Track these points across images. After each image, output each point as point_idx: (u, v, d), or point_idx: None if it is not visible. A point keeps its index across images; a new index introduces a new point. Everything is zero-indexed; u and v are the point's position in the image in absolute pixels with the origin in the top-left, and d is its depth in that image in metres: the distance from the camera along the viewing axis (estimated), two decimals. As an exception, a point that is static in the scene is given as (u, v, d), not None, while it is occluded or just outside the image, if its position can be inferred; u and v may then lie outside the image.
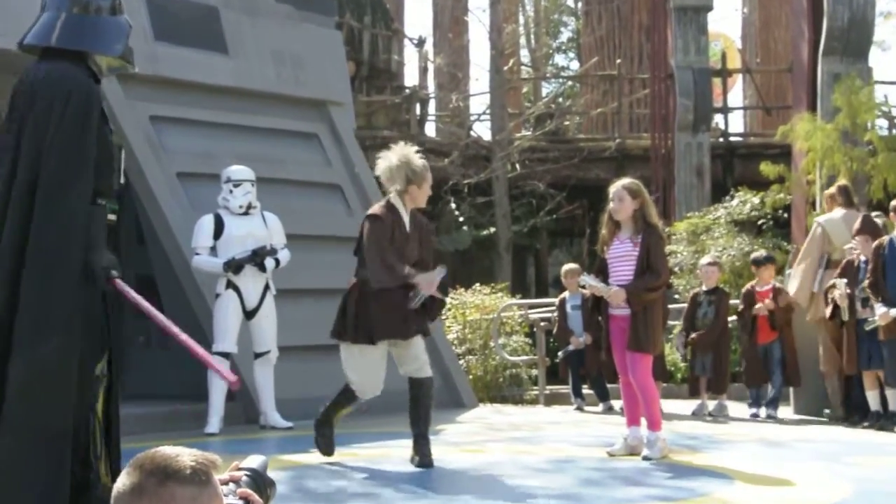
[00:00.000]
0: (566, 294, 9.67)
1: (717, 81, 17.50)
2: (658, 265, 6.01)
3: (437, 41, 20.27)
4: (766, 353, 8.56)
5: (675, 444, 6.64)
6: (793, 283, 8.52)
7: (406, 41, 19.10)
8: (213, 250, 7.91)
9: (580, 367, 9.48)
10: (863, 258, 7.82)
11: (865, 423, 7.69)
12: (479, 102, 28.39)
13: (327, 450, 6.04)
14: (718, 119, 17.69)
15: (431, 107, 18.89)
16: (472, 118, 18.87)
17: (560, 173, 16.11)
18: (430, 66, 19.17)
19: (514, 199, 16.41)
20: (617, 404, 9.28)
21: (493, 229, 16.02)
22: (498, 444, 6.84)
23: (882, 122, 15.03)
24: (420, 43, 18.81)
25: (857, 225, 8.06)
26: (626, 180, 6.27)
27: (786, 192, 13.00)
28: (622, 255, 6.10)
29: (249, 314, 7.87)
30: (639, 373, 6.01)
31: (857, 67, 12.98)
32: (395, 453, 6.39)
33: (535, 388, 10.45)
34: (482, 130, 19.50)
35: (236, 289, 7.83)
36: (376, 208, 5.93)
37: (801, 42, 14.58)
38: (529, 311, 11.20)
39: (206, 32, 9.41)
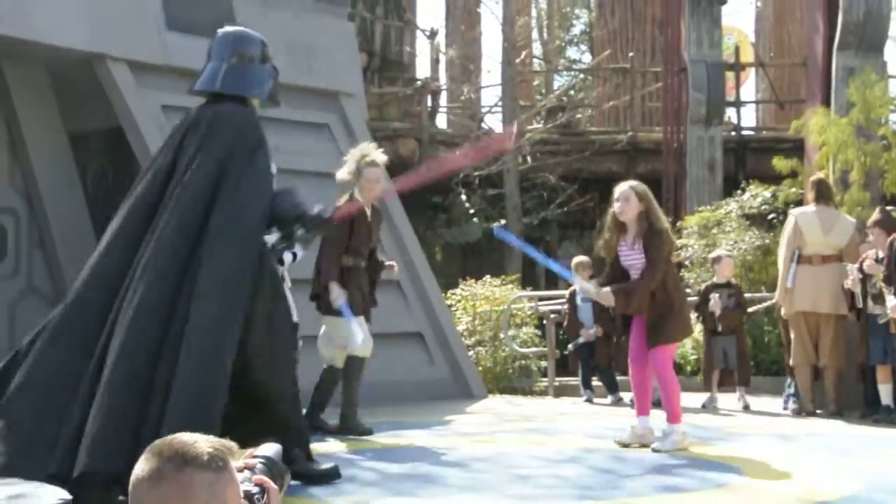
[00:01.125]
0: (576, 286, 9.66)
1: (730, 75, 17.46)
2: (653, 268, 5.92)
3: (450, 33, 20.25)
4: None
5: (690, 436, 6.63)
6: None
7: (418, 33, 19.09)
8: None
9: (590, 358, 9.49)
10: (880, 253, 7.80)
11: (877, 417, 7.68)
12: (490, 94, 28.38)
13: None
14: (731, 113, 17.64)
15: (443, 98, 18.89)
16: (484, 110, 18.87)
17: (571, 166, 16.09)
18: (442, 58, 19.15)
19: (525, 191, 16.40)
20: (627, 396, 9.30)
21: (503, 221, 16.02)
22: (508, 435, 6.85)
23: (896, 117, 14.96)
24: (432, 35, 18.80)
25: (874, 217, 8.04)
26: (634, 182, 6.21)
27: (798, 186, 12.97)
28: (633, 265, 6.07)
29: None
30: (659, 364, 5.97)
31: (872, 62, 12.93)
32: (407, 443, 6.41)
33: (545, 379, 10.46)
34: (494, 122, 19.48)
35: None
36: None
37: (816, 36, 14.53)
38: (539, 303, 11.21)
39: (218, 22, 9.34)
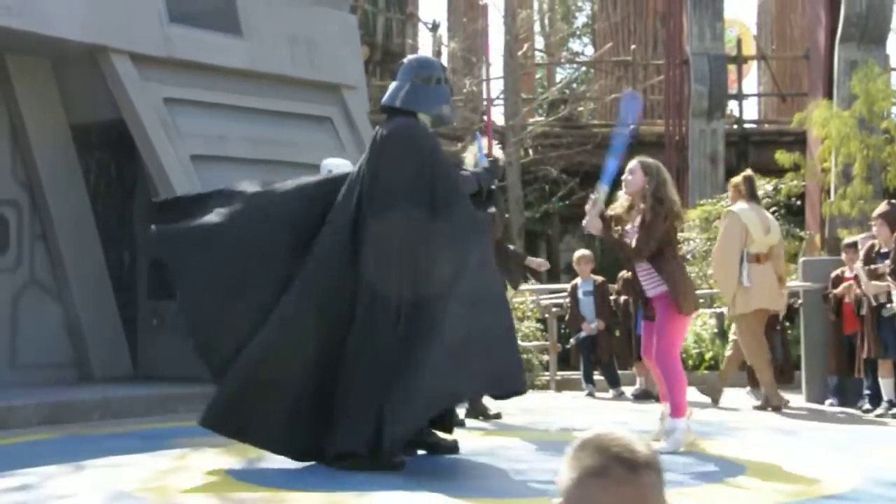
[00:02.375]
0: (578, 280, 9.66)
1: (732, 68, 17.43)
2: (645, 236, 5.73)
3: (452, 25, 20.21)
4: None
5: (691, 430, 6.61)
6: (717, 276, 8.46)
7: (420, 25, 19.07)
8: None
9: (592, 353, 9.49)
10: (884, 248, 7.78)
11: (879, 412, 7.67)
12: (492, 87, 28.30)
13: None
14: (733, 106, 17.63)
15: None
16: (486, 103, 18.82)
17: (573, 159, 16.07)
18: (444, 51, 19.12)
19: (527, 184, 16.38)
20: (628, 391, 9.30)
21: (506, 215, 16.01)
22: (510, 429, 6.84)
23: (898, 110, 14.93)
24: (434, 27, 18.78)
25: (880, 209, 8.01)
26: (644, 157, 6.08)
27: (800, 179, 12.95)
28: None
29: None
30: (663, 353, 5.81)
31: (875, 54, 12.92)
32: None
33: (547, 373, 10.46)
34: (495, 115, 19.45)
35: None
36: None
37: (818, 28, 14.50)
38: (541, 297, 11.20)
39: (221, 15, 9.41)
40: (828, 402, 8.28)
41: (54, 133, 9.22)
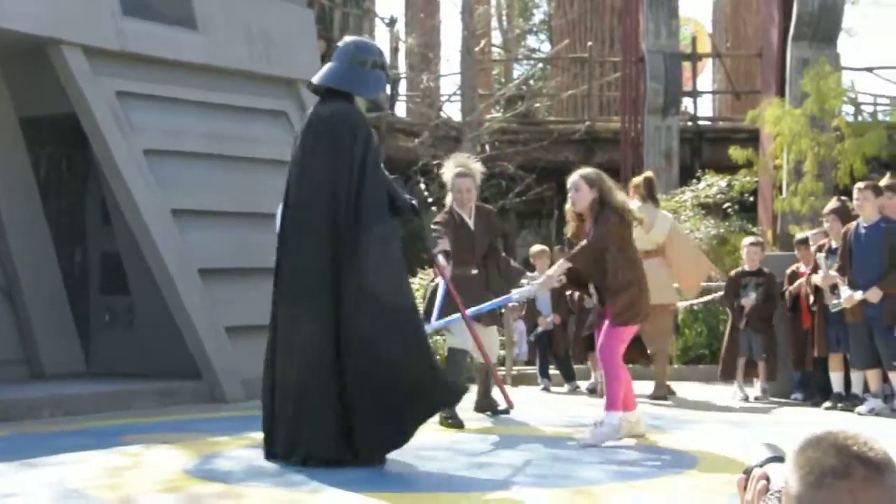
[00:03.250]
0: (535, 274, 9.69)
1: (686, 65, 17.57)
2: (596, 232, 5.77)
3: (409, 21, 20.17)
4: None
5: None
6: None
7: (377, 20, 19.01)
8: None
9: (548, 347, 9.53)
10: (833, 243, 7.88)
11: (828, 405, 7.78)
12: (450, 83, 28.34)
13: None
14: (688, 103, 17.77)
15: (402, 87, 18.82)
16: (443, 99, 18.83)
17: (530, 155, 16.12)
18: (402, 46, 19.08)
19: (484, 180, 16.38)
20: (583, 384, 9.35)
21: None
22: (466, 424, 6.84)
23: (849, 108, 15.16)
24: (391, 22, 18.72)
25: (830, 205, 8.12)
26: (584, 169, 6.08)
27: (752, 176, 13.10)
28: None
29: None
30: (605, 347, 5.88)
31: (826, 53, 13.08)
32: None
33: (502, 368, 10.48)
34: (452, 111, 19.46)
35: None
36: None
37: (772, 27, 14.66)
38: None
39: (175, 8, 9.32)
40: (793, 396, 8.37)
41: (2, 127, 9.09)
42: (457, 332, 6.75)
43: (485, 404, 7.29)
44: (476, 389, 7.28)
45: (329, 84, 5.40)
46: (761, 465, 1.76)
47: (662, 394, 8.34)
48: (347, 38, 5.65)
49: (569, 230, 6.20)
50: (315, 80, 5.49)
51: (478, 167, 7.02)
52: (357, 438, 5.02)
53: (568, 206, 6.07)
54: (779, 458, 1.75)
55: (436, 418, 6.60)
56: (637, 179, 8.68)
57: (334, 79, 5.40)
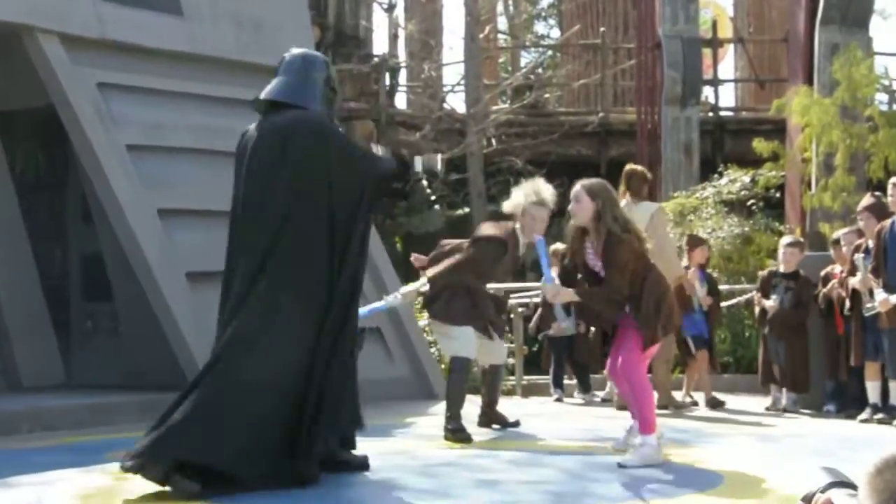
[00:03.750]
0: (555, 270, 9.63)
1: (706, 52, 17.55)
2: (609, 282, 5.68)
3: (409, 6, 20.18)
4: None
5: (664, 438, 6.64)
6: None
7: (375, 6, 19.01)
8: None
9: (562, 355, 9.49)
10: (869, 243, 7.84)
11: (863, 417, 7.74)
12: (453, 72, 28.36)
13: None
14: (708, 92, 17.75)
15: (402, 77, 18.83)
16: (446, 89, 18.84)
17: (539, 149, 16.11)
18: (401, 33, 19.08)
19: (490, 176, 16.39)
20: (600, 394, 9.33)
21: (466, 209, 16.00)
22: (474, 438, 6.83)
23: (882, 97, 15.13)
24: (390, 8, 18.73)
25: (865, 202, 8.08)
26: (587, 180, 5.95)
27: (779, 170, 13.07)
28: (601, 271, 5.83)
29: None
30: (629, 367, 5.76)
31: (858, 38, 13.05)
32: (364, 447, 6.38)
33: (512, 378, 10.46)
34: (456, 102, 19.49)
35: None
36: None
37: (798, 10, 14.63)
38: (506, 297, 11.18)
39: (158, -8, 9.30)
40: (825, 408, 8.34)
41: (-24, 121, 9.09)
42: (459, 337, 6.73)
43: (491, 417, 7.23)
44: (480, 401, 7.24)
45: (284, 99, 5.44)
46: (823, 492, 1.74)
47: (664, 403, 8.19)
48: (295, 51, 5.72)
49: (568, 253, 6.07)
50: (263, 95, 5.51)
51: (553, 199, 6.97)
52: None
53: (571, 223, 5.94)
54: (841, 483, 1.73)
55: (438, 432, 6.61)
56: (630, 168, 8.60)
57: (287, 93, 5.45)
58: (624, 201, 8.14)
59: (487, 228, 7.08)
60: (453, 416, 6.66)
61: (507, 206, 7.00)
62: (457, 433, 6.59)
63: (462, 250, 6.86)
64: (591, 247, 5.82)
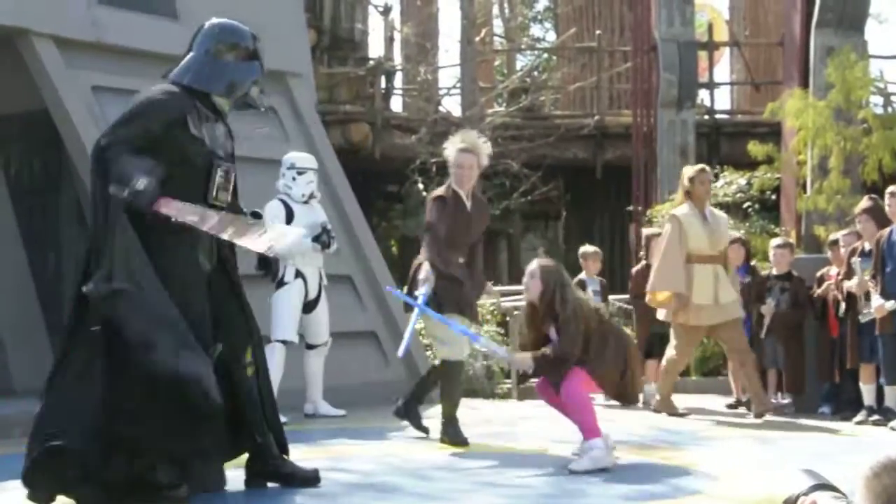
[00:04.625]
0: (583, 276, 9.60)
1: (702, 55, 17.56)
2: (565, 341, 5.73)
3: (405, 9, 20.19)
4: None
5: (658, 440, 6.66)
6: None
7: (371, 9, 19.01)
8: None
9: None
10: (867, 245, 7.85)
11: (858, 419, 7.75)
12: (448, 75, 28.37)
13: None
14: (704, 95, 17.77)
15: (398, 80, 18.83)
16: (442, 92, 18.84)
17: (535, 152, 16.11)
18: (397, 36, 19.08)
19: (486, 179, 16.36)
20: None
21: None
22: (470, 441, 6.83)
23: (877, 100, 15.15)
24: (386, 11, 18.73)
25: (863, 204, 8.10)
26: (544, 260, 6.08)
27: (774, 172, 13.08)
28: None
29: (308, 305, 7.95)
30: (573, 386, 5.77)
31: (853, 41, 13.05)
32: (360, 450, 6.37)
33: (508, 381, 10.46)
34: (452, 105, 19.48)
35: (303, 278, 7.91)
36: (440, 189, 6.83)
37: (793, 13, 14.65)
38: (502, 300, 11.19)
39: (153, -4, 9.30)
40: (820, 409, 8.34)
41: (-30, 124, 9.08)
42: (449, 340, 6.60)
43: (410, 410, 6.91)
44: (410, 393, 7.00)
45: (176, 80, 4.97)
46: (806, 494, 1.75)
47: (763, 410, 7.98)
48: (212, 22, 5.17)
49: (523, 324, 6.14)
50: (173, 75, 5.05)
51: (486, 148, 6.93)
52: None
53: (526, 297, 6.01)
54: (824, 486, 1.74)
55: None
56: (688, 171, 8.49)
57: (184, 74, 4.94)
58: (686, 207, 8.15)
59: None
60: (450, 420, 6.62)
61: (446, 152, 6.91)
62: (454, 437, 6.55)
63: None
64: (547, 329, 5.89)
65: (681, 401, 9.31)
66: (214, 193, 4.96)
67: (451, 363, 6.69)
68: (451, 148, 6.82)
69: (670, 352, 8.33)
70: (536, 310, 5.92)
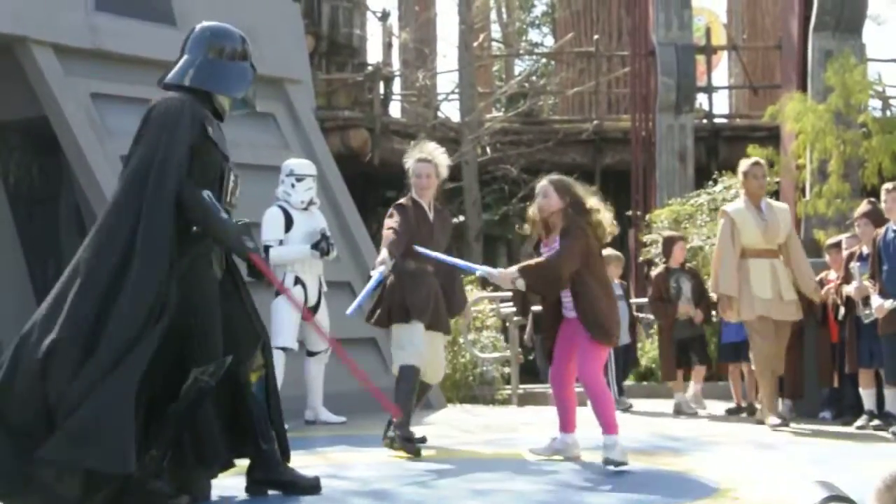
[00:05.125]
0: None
1: (700, 59, 17.56)
2: (562, 250, 5.75)
3: (403, 14, 20.20)
4: None
5: (659, 446, 6.65)
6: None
7: (369, 14, 19.01)
8: (281, 244, 7.93)
9: (623, 361, 9.51)
10: (865, 250, 7.84)
11: (859, 424, 7.74)
12: (447, 81, 28.45)
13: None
14: (702, 99, 17.76)
15: (396, 85, 18.83)
16: (440, 98, 18.83)
17: (534, 157, 16.10)
18: (395, 42, 19.09)
19: (485, 184, 16.39)
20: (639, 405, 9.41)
21: (461, 218, 15.99)
22: (468, 447, 6.82)
23: (876, 103, 15.15)
24: (384, 16, 18.73)
25: (862, 208, 8.08)
26: (554, 175, 6.11)
27: (773, 176, 13.07)
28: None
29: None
30: (588, 369, 5.84)
31: (851, 44, 13.07)
32: (359, 457, 6.36)
33: (508, 387, 10.45)
34: (450, 111, 19.49)
35: (303, 285, 7.91)
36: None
37: (791, 17, 14.66)
38: (501, 305, 11.19)
39: (152, 2, 9.31)
40: (821, 415, 8.33)
41: (-31, 132, 9.08)
42: (406, 345, 6.51)
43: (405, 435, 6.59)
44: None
45: (179, 82, 4.95)
46: None
47: (780, 421, 7.78)
48: (204, 25, 5.18)
49: (528, 240, 6.15)
50: (168, 78, 5.04)
51: (444, 159, 6.92)
52: None
53: (532, 211, 6.06)
54: (838, 498, 1.73)
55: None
56: (742, 165, 8.21)
57: (187, 76, 4.95)
58: (740, 202, 8.02)
59: None
60: (402, 425, 6.42)
61: (406, 164, 6.88)
62: (405, 442, 6.38)
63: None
64: (547, 247, 5.93)
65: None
66: (229, 197, 5.00)
67: (407, 367, 6.52)
68: (410, 159, 6.86)
69: (753, 355, 8.01)
70: (549, 230, 5.87)
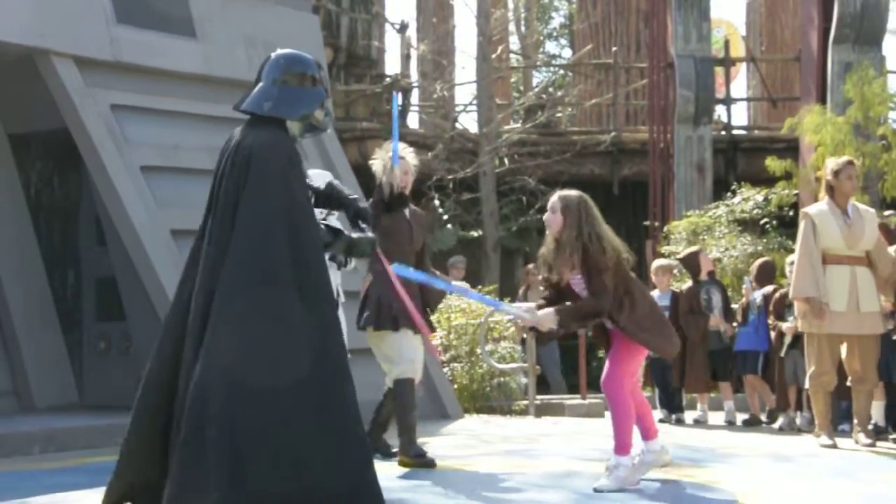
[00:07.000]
0: (656, 293, 9.62)
1: (719, 71, 17.56)
2: (597, 288, 5.45)
3: (421, 26, 20.25)
4: None
5: (680, 457, 6.63)
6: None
7: (387, 26, 19.09)
8: None
9: (666, 374, 9.52)
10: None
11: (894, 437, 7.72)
12: (465, 92, 28.48)
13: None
14: (721, 111, 17.75)
15: (414, 97, 18.88)
16: (458, 109, 18.87)
17: (552, 168, 16.11)
18: (413, 53, 19.15)
19: (503, 195, 16.40)
20: (689, 416, 9.46)
21: (479, 231, 16.02)
22: (487, 458, 6.81)
23: (895, 115, 15.11)
24: (402, 28, 18.80)
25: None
26: (565, 191, 5.73)
27: (792, 188, 13.06)
28: (579, 285, 5.61)
29: None
30: (610, 386, 5.58)
31: (870, 56, 13.06)
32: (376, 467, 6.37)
33: (525, 398, 10.44)
34: (468, 122, 19.50)
35: None
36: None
37: (811, 29, 14.65)
38: (519, 316, 11.18)
39: (172, 15, 9.37)
40: (839, 427, 8.30)
41: (-9, 143, 9.16)
42: (399, 359, 6.44)
43: (375, 444, 6.63)
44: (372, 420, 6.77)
45: (254, 110, 5.07)
46: None
47: (832, 443, 7.47)
48: (278, 52, 5.30)
49: (541, 265, 5.75)
50: (243, 105, 5.14)
51: (412, 157, 6.88)
52: None
53: (544, 252, 5.71)
54: None
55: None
56: (832, 164, 7.70)
57: (261, 103, 5.07)
58: (823, 204, 7.54)
59: None
60: (410, 440, 6.40)
61: (375, 166, 6.78)
62: (418, 458, 6.34)
63: None
64: (571, 269, 5.61)
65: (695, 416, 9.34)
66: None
67: (403, 381, 6.46)
68: (379, 161, 6.81)
69: (809, 370, 7.58)
70: (560, 250, 5.55)
